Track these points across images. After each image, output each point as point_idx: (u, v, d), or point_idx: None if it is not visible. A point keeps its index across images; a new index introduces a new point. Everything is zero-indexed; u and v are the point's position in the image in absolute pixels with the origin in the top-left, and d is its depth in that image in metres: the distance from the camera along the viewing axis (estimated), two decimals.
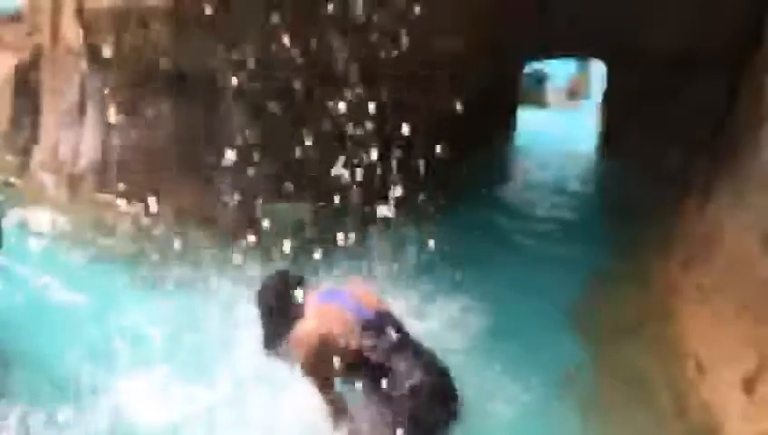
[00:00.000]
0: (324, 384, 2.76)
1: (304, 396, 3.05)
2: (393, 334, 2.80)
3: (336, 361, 2.70)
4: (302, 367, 2.75)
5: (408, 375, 2.72)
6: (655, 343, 3.83)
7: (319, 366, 2.71)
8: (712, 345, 3.46)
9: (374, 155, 4.13)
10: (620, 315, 4.20)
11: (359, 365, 2.74)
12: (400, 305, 3.39)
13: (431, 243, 4.53)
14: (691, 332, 3.67)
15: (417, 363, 2.79)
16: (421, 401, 2.70)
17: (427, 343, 3.06)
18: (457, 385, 2.91)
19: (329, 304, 2.85)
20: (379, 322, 2.82)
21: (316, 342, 2.71)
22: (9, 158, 5.76)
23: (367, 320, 2.80)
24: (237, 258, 4.42)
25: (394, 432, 2.65)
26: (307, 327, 2.77)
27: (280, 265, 3.30)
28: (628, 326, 4.06)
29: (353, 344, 2.72)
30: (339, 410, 2.80)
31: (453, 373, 2.99)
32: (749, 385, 3.09)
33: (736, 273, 3.62)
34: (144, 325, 3.84)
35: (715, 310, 3.61)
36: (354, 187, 3.94)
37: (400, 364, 2.73)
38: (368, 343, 2.74)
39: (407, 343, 2.86)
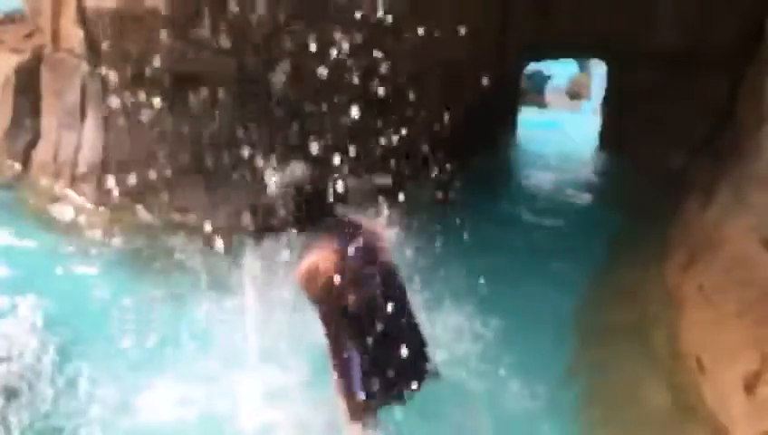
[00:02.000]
0: (329, 316, 2.75)
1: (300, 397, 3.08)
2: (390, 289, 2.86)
3: (341, 293, 2.70)
4: (312, 296, 2.75)
5: (394, 328, 2.80)
6: (656, 344, 3.82)
7: (326, 296, 2.72)
8: (713, 346, 3.45)
9: (375, 155, 4.13)
10: (622, 316, 4.19)
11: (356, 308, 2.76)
12: None
13: (432, 243, 4.53)
14: (692, 332, 3.67)
15: (404, 322, 2.89)
16: (402, 355, 2.78)
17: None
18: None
19: (340, 248, 2.81)
20: (381, 274, 2.84)
21: (323, 272, 2.71)
22: (9, 159, 5.76)
23: (370, 268, 2.81)
24: (237, 259, 4.45)
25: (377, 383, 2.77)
26: (313, 260, 2.76)
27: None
28: (629, 327, 4.05)
29: (353, 289, 2.74)
30: (339, 345, 2.78)
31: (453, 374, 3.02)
32: (751, 386, 3.09)
33: (738, 273, 3.62)
34: (141, 326, 3.84)
35: (717, 310, 3.61)
36: (354, 187, 3.93)
37: (389, 317, 2.79)
38: (365, 290, 2.76)
39: (401, 299, 2.92)
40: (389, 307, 2.79)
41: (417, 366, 2.95)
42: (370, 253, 2.84)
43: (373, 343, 2.77)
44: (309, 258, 2.76)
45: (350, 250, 2.76)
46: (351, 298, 2.72)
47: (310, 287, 2.73)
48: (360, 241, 2.80)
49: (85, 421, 3.20)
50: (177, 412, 3.29)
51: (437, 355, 3.15)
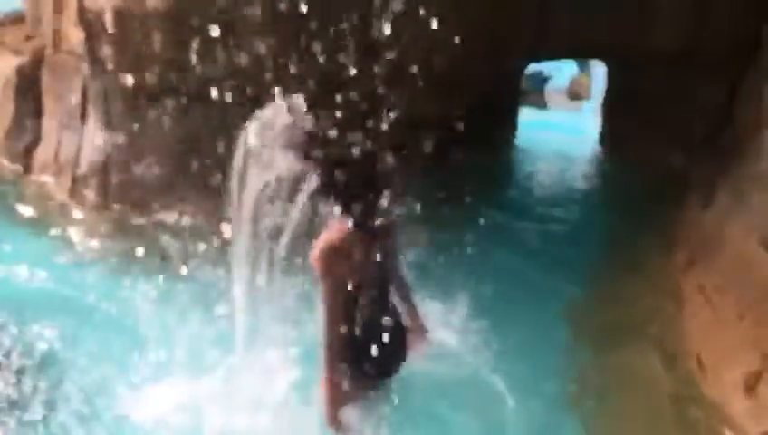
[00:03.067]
0: (333, 292, 2.77)
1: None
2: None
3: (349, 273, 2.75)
4: (323, 272, 2.77)
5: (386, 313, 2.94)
6: (657, 344, 3.83)
7: (333, 267, 2.74)
8: (714, 346, 3.47)
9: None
10: (622, 317, 4.20)
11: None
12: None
13: (431, 244, 4.54)
14: (693, 333, 3.68)
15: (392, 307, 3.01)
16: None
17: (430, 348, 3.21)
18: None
19: (356, 229, 2.84)
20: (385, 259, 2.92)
21: (333, 243, 2.76)
22: (10, 159, 5.77)
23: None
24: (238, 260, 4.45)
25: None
26: (331, 237, 2.80)
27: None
28: (629, 327, 4.06)
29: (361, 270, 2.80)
30: (336, 322, 2.80)
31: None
32: (751, 386, 3.10)
33: (738, 274, 3.63)
34: (140, 327, 3.85)
35: (717, 311, 3.62)
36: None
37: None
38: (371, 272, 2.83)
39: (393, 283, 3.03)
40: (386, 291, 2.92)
41: (399, 352, 3.03)
42: (381, 236, 2.88)
43: (364, 325, 2.83)
44: (327, 235, 2.80)
45: (364, 232, 2.79)
46: (356, 278, 2.76)
47: (323, 263, 2.75)
48: (374, 224, 2.83)
49: (71, 424, 3.21)
50: (166, 416, 3.28)
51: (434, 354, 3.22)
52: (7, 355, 3.67)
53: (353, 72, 4.07)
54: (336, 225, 2.81)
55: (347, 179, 2.75)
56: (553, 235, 5.65)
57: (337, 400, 2.83)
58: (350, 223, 2.78)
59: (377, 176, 2.80)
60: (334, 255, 2.74)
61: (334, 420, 2.84)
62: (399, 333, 3.02)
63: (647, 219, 5.24)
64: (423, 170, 4.69)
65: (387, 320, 2.91)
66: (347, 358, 2.83)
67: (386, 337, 2.86)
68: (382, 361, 2.89)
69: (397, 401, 3.08)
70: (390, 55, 4.19)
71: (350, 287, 2.76)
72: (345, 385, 2.85)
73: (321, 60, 4.26)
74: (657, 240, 4.85)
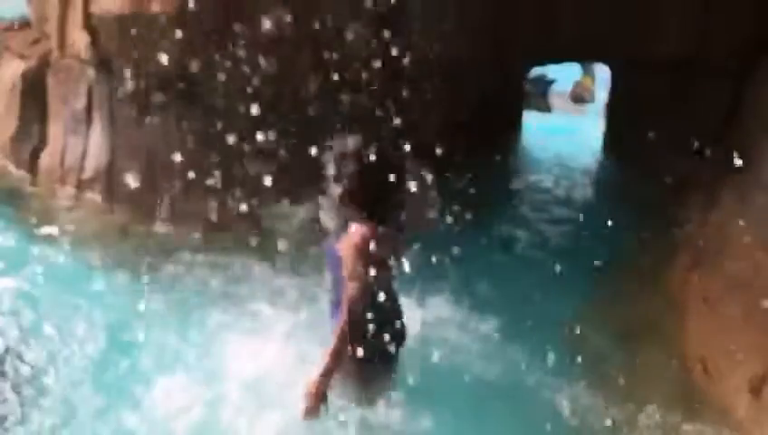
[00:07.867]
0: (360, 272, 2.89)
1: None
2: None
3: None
4: (350, 258, 2.90)
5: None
6: (661, 349, 3.83)
7: (363, 259, 2.88)
8: (718, 351, 3.47)
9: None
10: (626, 321, 4.20)
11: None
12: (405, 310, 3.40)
13: (433, 248, 4.54)
14: (697, 337, 3.68)
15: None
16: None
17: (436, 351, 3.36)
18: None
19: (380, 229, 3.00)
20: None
21: (365, 239, 2.90)
22: (16, 164, 5.78)
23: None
24: (242, 262, 4.47)
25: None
26: (365, 233, 2.93)
27: None
28: (633, 332, 4.06)
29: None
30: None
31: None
32: (755, 390, 3.11)
33: (742, 278, 3.63)
34: (143, 328, 3.86)
35: (722, 316, 3.62)
36: None
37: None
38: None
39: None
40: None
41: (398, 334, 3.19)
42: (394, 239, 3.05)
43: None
44: (361, 231, 2.92)
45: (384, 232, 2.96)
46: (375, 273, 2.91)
47: (357, 255, 2.88)
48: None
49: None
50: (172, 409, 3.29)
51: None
52: (4, 357, 3.68)
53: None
54: (363, 226, 2.93)
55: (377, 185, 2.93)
56: (556, 239, 5.65)
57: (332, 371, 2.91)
58: (378, 227, 2.93)
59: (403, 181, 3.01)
60: (368, 249, 2.86)
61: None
62: (398, 319, 3.20)
63: (650, 223, 5.24)
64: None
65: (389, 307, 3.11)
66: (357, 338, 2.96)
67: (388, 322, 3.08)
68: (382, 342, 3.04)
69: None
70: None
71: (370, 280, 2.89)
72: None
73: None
74: (660, 245, 4.84)
